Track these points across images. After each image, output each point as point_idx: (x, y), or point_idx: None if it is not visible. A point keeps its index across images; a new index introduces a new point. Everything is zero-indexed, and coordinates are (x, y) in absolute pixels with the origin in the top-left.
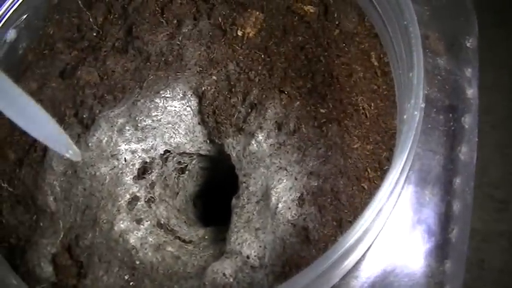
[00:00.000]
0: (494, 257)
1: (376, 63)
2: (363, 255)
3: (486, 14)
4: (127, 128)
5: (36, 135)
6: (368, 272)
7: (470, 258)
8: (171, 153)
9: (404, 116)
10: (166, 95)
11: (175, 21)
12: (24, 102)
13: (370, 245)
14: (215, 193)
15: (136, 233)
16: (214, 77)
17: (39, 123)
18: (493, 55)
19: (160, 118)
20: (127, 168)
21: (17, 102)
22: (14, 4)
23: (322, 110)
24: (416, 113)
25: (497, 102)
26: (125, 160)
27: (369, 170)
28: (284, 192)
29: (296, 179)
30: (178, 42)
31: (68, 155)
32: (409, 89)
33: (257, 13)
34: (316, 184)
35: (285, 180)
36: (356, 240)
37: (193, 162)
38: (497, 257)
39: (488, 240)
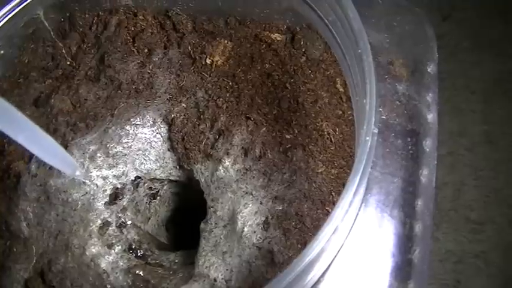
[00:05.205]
0: (470, 278)
1: (341, 89)
2: (322, 276)
3: (460, 39)
4: (98, 154)
5: (49, 161)
6: None
7: (446, 279)
8: (142, 179)
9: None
10: (137, 122)
11: (146, 50)
12: (37, 134)
13: (329, 266)
14: (186, 218)
15: (108, 258)
16: (183, 104)
17: (51, 151)
18: (466, 79)
19: (131, 145)
20: (98, 194)
21: (32, 134)
22: None
23: (287, 136)
24: (368, 138)
25: (471, 125)
26: (97, 186)
27: (333, 193)
28: (250, 216)
29: (261, 203)
30: (149, 71)
31: (76, 176)
32: (363, 114)
33: (225, 42)
34: (281, 208)
35: (250, 205)
36: (312, 259)
37: (165, 187)
38: (473, 278)
39: (464, 261)
